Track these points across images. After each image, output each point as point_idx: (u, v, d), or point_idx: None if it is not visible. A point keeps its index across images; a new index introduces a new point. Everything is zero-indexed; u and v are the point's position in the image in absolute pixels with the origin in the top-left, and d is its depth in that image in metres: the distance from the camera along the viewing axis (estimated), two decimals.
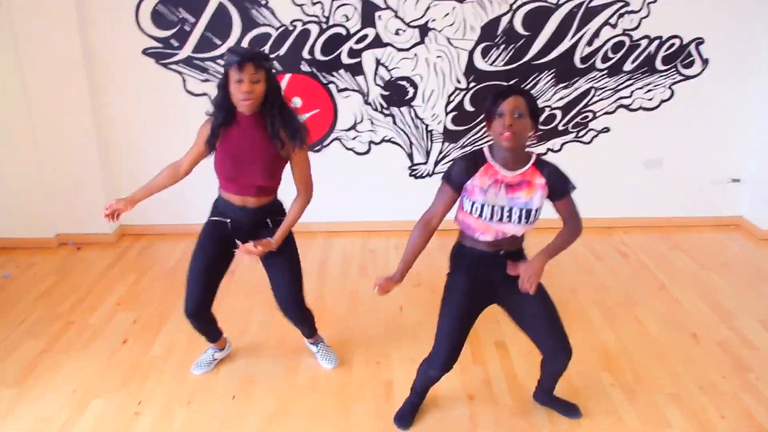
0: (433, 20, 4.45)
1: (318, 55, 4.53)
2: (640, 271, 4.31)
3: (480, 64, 4.56)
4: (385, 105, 4.69)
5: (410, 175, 4.90)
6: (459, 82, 4.61)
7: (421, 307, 3.84)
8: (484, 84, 4.60)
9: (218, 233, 2.90)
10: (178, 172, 2.92)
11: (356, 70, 4.57)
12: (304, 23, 4.44)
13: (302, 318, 3.11)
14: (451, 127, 4.75)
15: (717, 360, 3.29)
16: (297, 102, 4.60)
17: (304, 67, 4.56)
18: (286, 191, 2.91)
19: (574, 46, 4.53)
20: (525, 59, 4.56)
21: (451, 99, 4.67)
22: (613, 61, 4.59)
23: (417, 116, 4.72)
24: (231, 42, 4.45)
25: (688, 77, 4.65)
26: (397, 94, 4.66)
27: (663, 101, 4.71)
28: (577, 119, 4.75)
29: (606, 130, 4.77)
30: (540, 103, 4.65)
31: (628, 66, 4.60)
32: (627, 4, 4.43)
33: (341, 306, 3.87)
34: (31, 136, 4.51)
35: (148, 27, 4.43)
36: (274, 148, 2.67)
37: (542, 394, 2.92)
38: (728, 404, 2.94)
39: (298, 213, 2.83)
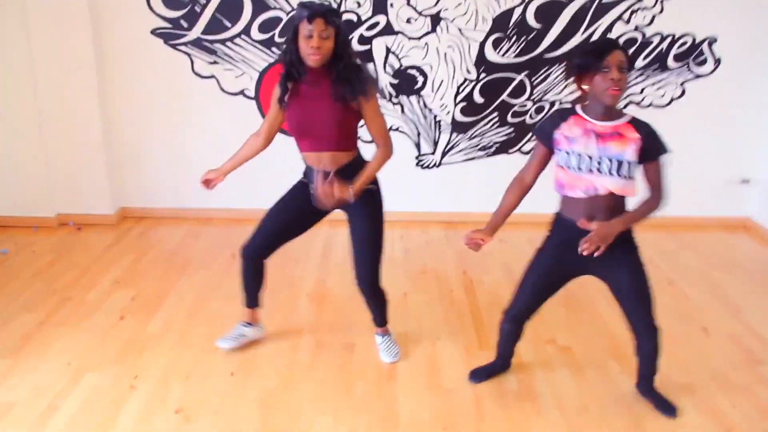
0: (446, 10, 4.42)
1: None
2: (647, 266, 4.22)
3: (491, 55, 4.52)
4: (394, 93, 4.64)
5: (417, 165, 4.84)
6: (469, 72, 4.56)
7: (425, 294, 3.77)
8: (494, 75, 4.56)
9: (303, 194, 2.85)
10: (258, 139, 2.89)
11: (366, 57, 4.53)
12: None
13: (374, 294, 2.98)
14: (459, 118, 4.70)
15: (728, 353, 3.21)
16: None
17: None
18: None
19: (586, 40, 4.49)
20: (536, 52, 4.52)
21: (461, 89, 4.62)
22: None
23: (426, 106, 4.68)
24: (241, 25, 4.41)
25: (699, 75, 4.61)
26: (407, 83, 4.62)
27: (674, 99, 4.66)
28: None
29: None
30: (550, 97, 4.61)
31: (639, 63, 4.56)
32: (640, 0, 4.39)
33: (344, 292, 3.78)
34: (36, 115, 4.47)
35: (159, 7, 4.40)
36: (343, 101, 2.62)
37: (642, 382, 2.80)
38: (740, 395, 2.86)
39: (376, 165, 2.74)
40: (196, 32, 4.45)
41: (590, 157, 2.34)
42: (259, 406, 2.74)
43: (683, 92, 4.65)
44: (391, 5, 4.40)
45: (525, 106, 4.66)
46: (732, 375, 3.02)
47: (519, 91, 4.62)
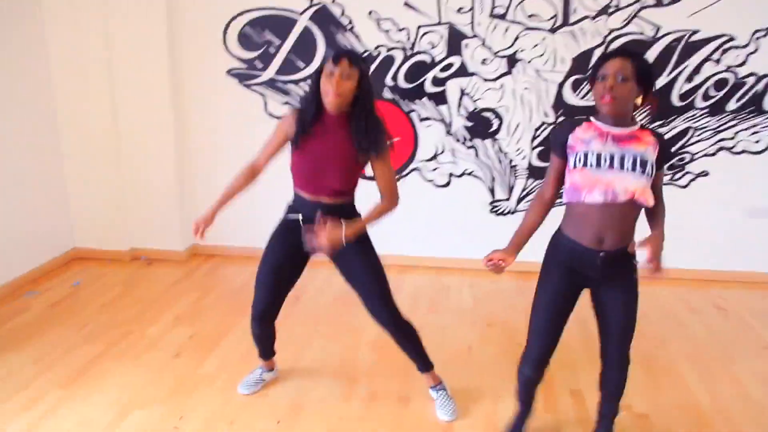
0: (522, 50, 4.28)
1: (401, 83, 4.43)
2: (740, 328, 3.85)
3: (570, 97, 4.32)
4: (468, 136, 4.51)
5: (491, 211, 4.66)
6: (547, 115, 4.37)
7: (492, 347, 3.55)
8: (573, 118, 4.35)
9: (289, 234, 2.73)
10: (255, 169, 2.82)
11: (440, 99, 4.44)
12: (389, 49, 4.37)
13: (398, 327, 2.82)
14: (536, 162, 4.50)
15: None
16: None
17: (387, 94, 4.46)
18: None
19: (672, 81, 4.23)
20: None
21: (538, 133, 4.43)
22: (715, 99, 4.25)
23: (501, 150, 4.51)
24: (315, 65, 4.42)
25: None
26: (481, 125, 4.47)
27: None
28: (673, 161, 4.39)
29: (705, 173, 4.38)
30: None
31: (731, 105, 4.24)
32: (732, 39, 4.11)
33: None
34: (115, 152, 4.59)
35: (234, 48, 4.48)
36: (354, 152, 2.53)
37: (603, 421, 2.59)
38: None
39: (377, 214, 2.63)
40: (270, 73, 4.49)
41: (611, 156, 2.17)
42: None
43: None
44: (466, 46, 4.30)
45: None
46: None
47: None
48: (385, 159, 2.58)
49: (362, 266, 2.71)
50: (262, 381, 3.12)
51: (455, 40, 4.31)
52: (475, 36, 4.28)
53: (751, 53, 4.13)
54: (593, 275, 2.32)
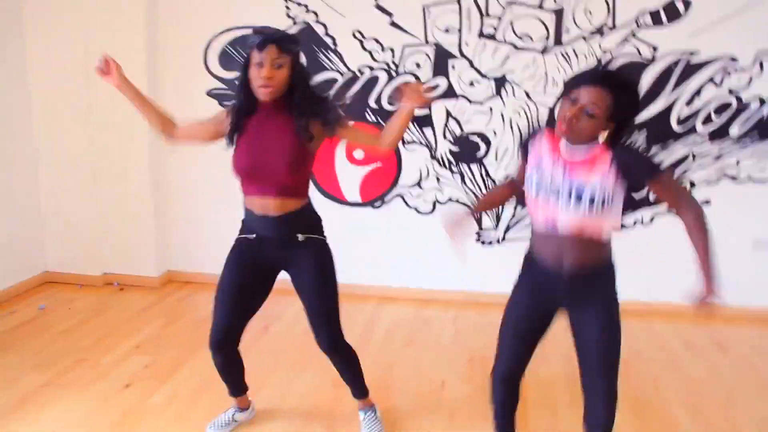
0: (512, 72, 4.09)
1: (385, 105, 4.25)
2: (742, 368, 3.54)
3: None
4: (453, 161, 4.29)
5: (477, 240, 4.41)
6: None
7: (467, 385, 3.28)
8: None
9: (247, 252, 2.52)
10: (171, 126, 2.64)
11: (424, 121, 4.25)
12: (373, 69, 4.20)
13: (336, 350, 2.58)
14: None
15: None
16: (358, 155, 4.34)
17: (369, 116, 4.28)
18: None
19: (671, 105, 4.00)
20: None
21: None
22: (716, 124, 4.01)
23: (488, 175, 4.28)
24: None
25: None
26: (468, 150, 4.26)
27: None
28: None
29: (706, 202, 4.11)
30: None
31: (734, 130, 3.99)
32: (735, 60, 3.88)
33: (376, 376, 3.36)
34: (91, 175, 4.47)
35: (215, 67, 4.35)
36: (298, 137, 2.29)
37: None
38: None
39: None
40: None
41: (551, 185, 2.00)
42: None
43: None
44: (453, 67, 4.12)
45: None
46: None
47: None
48: (345, 127, 2.37)
49: (315, 286, 2.49)
50: (234, 423, 2.83)
51: (442, 60, 4.13)
52: (462, 56, 4.10)
53: (757, 75, 3.90)
54: (562, 293, 2.15)
